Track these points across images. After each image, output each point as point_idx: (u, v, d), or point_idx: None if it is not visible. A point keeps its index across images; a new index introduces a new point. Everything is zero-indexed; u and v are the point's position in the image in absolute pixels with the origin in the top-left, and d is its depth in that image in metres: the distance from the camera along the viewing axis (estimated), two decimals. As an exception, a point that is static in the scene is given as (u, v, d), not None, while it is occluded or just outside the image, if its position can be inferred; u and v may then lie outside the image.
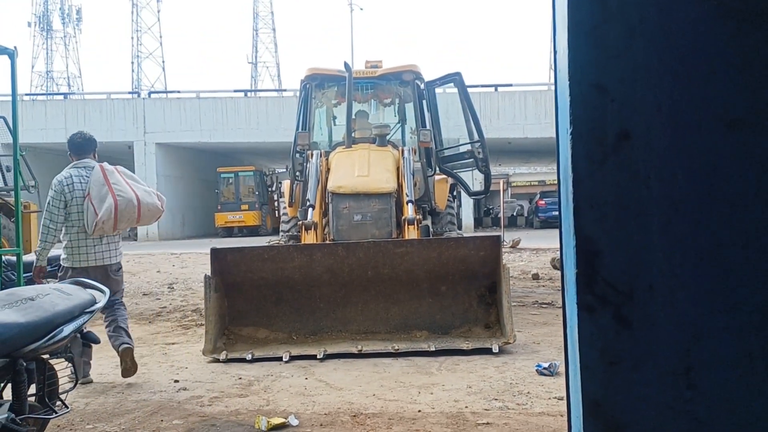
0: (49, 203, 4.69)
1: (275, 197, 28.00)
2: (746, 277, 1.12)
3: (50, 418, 3.10)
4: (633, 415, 1.13)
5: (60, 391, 3.14)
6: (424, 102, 7.81)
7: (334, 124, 8.39)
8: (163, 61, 51.33)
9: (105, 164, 4.86)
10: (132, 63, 50.36)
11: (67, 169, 4.81)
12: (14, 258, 6.16)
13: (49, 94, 44.43)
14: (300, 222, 6.56)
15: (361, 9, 73.61)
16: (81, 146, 4.88)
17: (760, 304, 1.11)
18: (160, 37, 51.16)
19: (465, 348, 5.10)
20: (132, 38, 50.33)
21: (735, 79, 1.13)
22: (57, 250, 4.99)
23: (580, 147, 1.16)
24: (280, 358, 5.06)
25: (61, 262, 4.83)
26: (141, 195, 4.75)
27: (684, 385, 1.12)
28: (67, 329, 2.90)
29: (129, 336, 4.82)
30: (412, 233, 6.04)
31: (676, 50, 1.14)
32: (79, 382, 3.53)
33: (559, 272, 10.57)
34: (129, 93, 32.12)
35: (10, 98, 5.93)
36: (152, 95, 30.97)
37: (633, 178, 1.13)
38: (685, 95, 1.13)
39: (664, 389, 1.12)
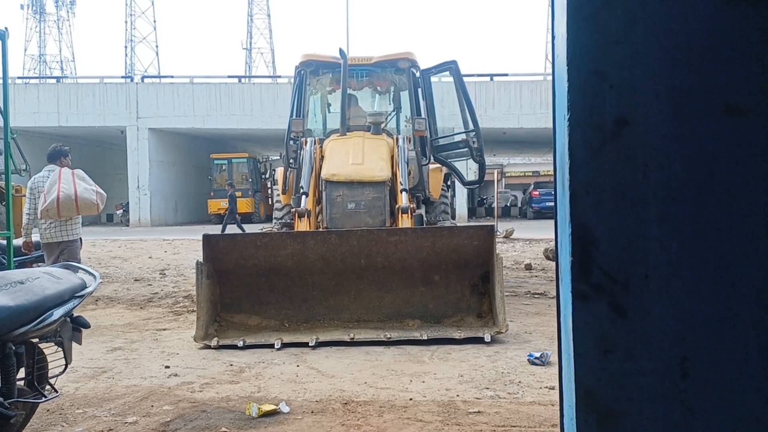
0: (27, 195, 6.36)
1: (269, 184, 28.09)
2: (742, 267, 1.11)
3: (39, 402, 3.09)
4: (626, 404, 1.12)
5: (49, 375, 3.12)
6: (420, 90, 7.77)
7: (329, 112, 8.34)
8: (157, 46, 51.02)
9: (64, 169, 6.34)
10: (125, 47, 50.01)
11: (42, 171, 6.41)
12: (4, 242, 6.12)
13: (42, 77, 44.05)
14: (293, 209, 6.54)
15: (358, -4, 73.12)
16: (51, 156, 6.48)
17: (755, 294, 1.10)
18: (154, 21, 50.88)
19: (457, 337, 5.11)
20: (126, 22, 49.97)
21: (735, 67, 1.11)
22: (35, 237, 6.44)
23: (577, 134, 1.14)
24: (271, 346, 5.05)
25: None
26: (80, 192, 6.19)
27: (678, 374, 1.11)
28: (57, 313, 2.88)
29: None
30: (405, 222, 6.02)
31: (676, 37, 1.13)
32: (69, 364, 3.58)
33: (551, 263, 10.63)
34: (122, 77, 31.84)
35: (0, 80, 5.87)
36: (145, 80, 30.74)
37: (630, 166, 1.12)
38: (685, 83, 1.12)
39: (658, 379, 1.11)
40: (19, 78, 31.53)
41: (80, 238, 6.49)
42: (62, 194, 6.07)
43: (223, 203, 27.26)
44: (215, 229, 19.79)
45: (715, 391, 1.10)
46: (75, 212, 6.20)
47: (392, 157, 6.78)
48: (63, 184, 6.13)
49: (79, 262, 5.87)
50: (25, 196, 10.23)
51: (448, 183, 8.53)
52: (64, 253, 6.26)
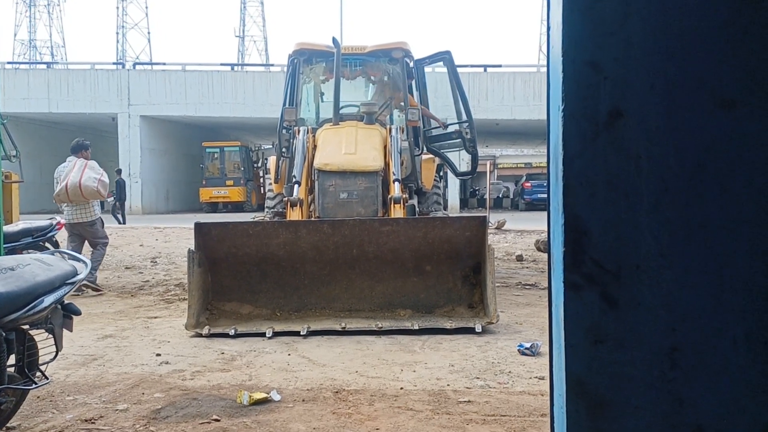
0: (54, 182, 7.48)
1: (261, 173, 28.00)
2: (733, 258, 1.12)
3: (30, 389, 3.08)
4: (616, 393, 1.13)
5: (40, 362, 3.11)
6: (413, 80, 7.75)
7: (322, 101, 8.31)
8: (149, 32, 50.63)
9: (80, 160, 7.43)
10: (117, 33, 49.59)
11: (66, 161, 7.55)
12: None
13: (32, 63, 43.66)
14: (285, 198, 6.53)
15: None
16: (73, 148, 7.63)
17: (745, 286, 1.11)
18: (146, 7, 50.42)
19: (448, 327, 5.13)
20: (117, 8, 49.53)
21: (729, 60, 1.12)
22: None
23: (571, 125, 1.14)
24: (263, 334, 5.05)
25: None
26: (83, 180, 7.24)
27: (668, 365, 1.12)
28: (48, 300, 2.88)
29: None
30: (398, 212, 6.02)
31: (671, 29, 1.13)
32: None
33: (542, 254, 10.65)
34: (113, 64, 31.62)
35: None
36: (137, 67, 30.54)
37: (624, 157, 1.13)
38: (679, 75, 1.12)
39: (648, 368, 1.12)
40: (8, 63, 31.20)
41: (100, 218, 7.65)
42: (70, 182, 7.18)
43: (215, 192, 27.30)
44: (207, 218, 19.77)
45: (704, 380, 1.12)
46: (81, 197, 7.27)
47: (385, 147, 6.77)
48: (73, 173, 7.25)
49: (104, 239, 7.68)
50: (15, 182, 10.22)
51: (441, 174, 8.53)
52: (89, 232, 7.51)
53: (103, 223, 7.74)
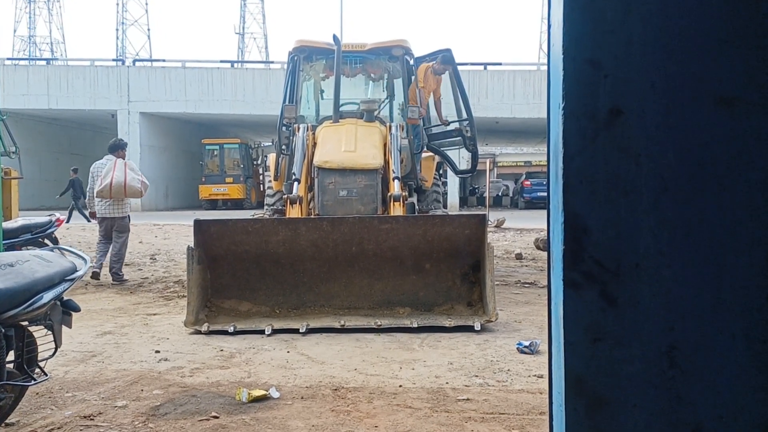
0: (89, 177, 8.16)
1: (260, 170, 27.99)
2: (732, 257, 1.12)
3: (28, 385, 3.08)
4: (615, 391, 1.13)
5: (39, 358, 3.11)
6: (413, 78, 7.74)
7: (322, 98, 8.30)
8: (149, 29, 50.57)
9: (119, 159, 8.05)
10: (117, 30, 49.52)
11: (103, 159, 8.16)
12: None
13: (32, 59, 43.56)
14: (285, 196, 6.52)
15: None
16: (111, 147, 8.27)
17: (744, 285, 1.12)
18: (146, 4, 50.31)
19: (447, 325, 5.13)
20: (117, 4, 49.45)
21: (729, 58, 1.12)
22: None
23: (571, 123, 1.14)
24: (262, 332, 5.05)
25: None
26: (128, 180, 7.89)
27: (667, 363, 1.12)
28: (47, 296, 2.87)
29: (106, 260, 8.10)
30: (397, 210, 6.02)
31: (671, 27, 1.13)
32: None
33: (542, 253, 10.64)
34: (113, 60, 31.54)
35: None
36: (137, 63, 30.47)
37: (624, 155, 1.13)
38: (679, 73, 1.12)
39: (646, 366, 1.12)
40: (8, 59, 31.16)
41: (129, 216, 8.28)
42: (115, 180, 7.83)
43: (215, 189, 27.27)
44: (206, 215, 19.75)
45: (702, 378, 1.12)
46: (123, 195, 7.94)
47: (385, 144, 6.77)
48: (116, 172, 7.90)
49: (128, 232, 8.29)
50: (14, 178, 10.22)
51: (441, 172, 8.52)
52: (117, 226, 8.12)
53: (129, 219, 8.39)
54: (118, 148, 8.22)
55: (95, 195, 7.99)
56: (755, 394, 1.12)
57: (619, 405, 1.14)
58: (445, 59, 7.67)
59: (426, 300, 5.57)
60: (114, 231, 8.11)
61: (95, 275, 7.87)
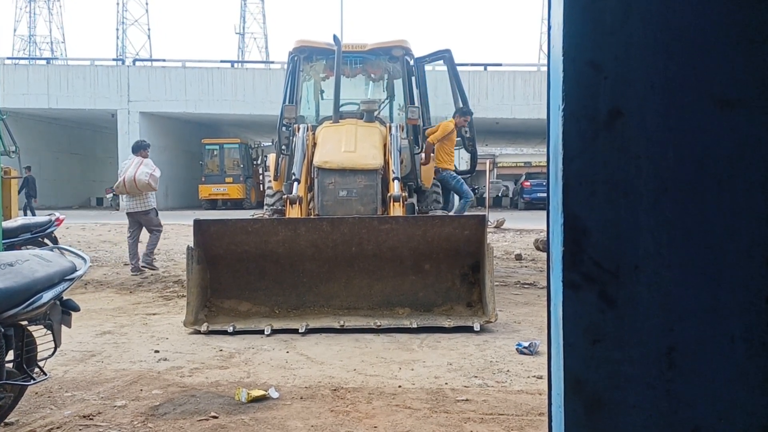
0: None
1: (260, 170, 27.98)
2: (731, 258, 1.12)
3: (28, 385, 3.08)
4: (614, 392, 1.13)
5: (38, 358, 3.11)
6: (413, 78, 7.75)
7: (322, 98, 8.31)
8: (149, 29, 50.58)
9: (137, 158, 8.69)
10: (117, 29, 49.53)
11: (128, 158, 8.93)
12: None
13: (32, 58, 43.55)
14: (285, 196, 6.53)
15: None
16: (134, 148, 9.00)
17: (743, 286, 1.12)
18: (146, 3, 50.30)
19: (447, 326, 5.13)
20: (117, 4, 49.45)
21: (729, 59, 1.12)
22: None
23: (571, 124, 1.14)
24: (261, 332, 5.05)
25: None
26: (137, 175, 8.44)
27: (666, 364, 1.12)
28: (47, 296, 2.87)
29: (138, 256, 8.71)
30: (397, 210, 6.02)
31: (671, 28, 1.13)
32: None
33: (541, 254, 10.63)
34: (113, 60, 31.54)
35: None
36: (137, 63, 30.47)
37: (623, 157, 1.13)
38: (679, 74, 1.12)
39: (646, 368, 1.12)
40: (8, 59, 31.16)
41: (155, 209, 8.80)
42: (127, 177, 8.51)
43: (215, 189, 27.26)
44: (206, 215, 19.74)
45: (701, 380, 1.12)
46: (136, 189, 8.50)
47: (385, 145, 6.77)
48: (130, 169, 8.55)
49: (158, 226, 8.89)
50: (14, 178, 10.26)
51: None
52: (144, 220, 8.76)
53: (157, 213, 8.91)
54: (140, 149, 8.87)
55: (116, 190, 8.93)
56: (754, 396, 1.12)
57: (618, 406, 1.14)
58: (462, 112, 7.84)
59: (425, 300, 5.57)
60: (145, 227, 8.81)
61: (135, 269, 8.62)
